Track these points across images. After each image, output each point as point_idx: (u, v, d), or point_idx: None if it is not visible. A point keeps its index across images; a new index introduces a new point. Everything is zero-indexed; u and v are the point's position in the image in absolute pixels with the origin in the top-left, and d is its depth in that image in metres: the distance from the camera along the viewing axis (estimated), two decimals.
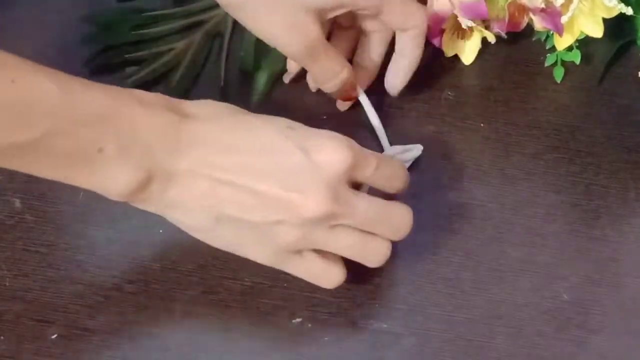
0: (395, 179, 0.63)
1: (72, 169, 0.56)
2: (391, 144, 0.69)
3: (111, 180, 0.57)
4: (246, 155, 0.59)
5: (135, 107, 0.57)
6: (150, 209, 0.59)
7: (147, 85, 0.72)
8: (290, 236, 0.59)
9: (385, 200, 0.61)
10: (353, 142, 0.60)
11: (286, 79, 0.73)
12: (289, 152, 0.59)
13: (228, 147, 0.59)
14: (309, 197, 0.58)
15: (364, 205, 0.60)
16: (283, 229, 0.59)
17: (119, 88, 0.58)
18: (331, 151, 0.59)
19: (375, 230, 0.61)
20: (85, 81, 0.57)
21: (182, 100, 0.60)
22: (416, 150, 0.69)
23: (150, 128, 0.57)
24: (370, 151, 0.61)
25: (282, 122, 0.60)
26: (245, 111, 0.62)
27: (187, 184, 0.58)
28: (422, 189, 0.68)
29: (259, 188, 0.58)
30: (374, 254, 0.62)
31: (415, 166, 0.69)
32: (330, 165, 0.59)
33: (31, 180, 0.67)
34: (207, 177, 0.58)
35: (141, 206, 0.59)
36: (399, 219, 0.61)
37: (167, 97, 0.60)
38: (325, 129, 0.65)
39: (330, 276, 0.62)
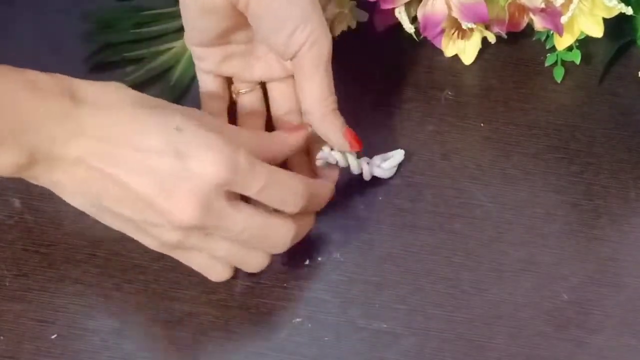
0: (288, 201, 0.61)
1: None
2: (378, 151, 0.69)
3: None
4: (125, 150, 0.57)
5: (22, 92, 0.56)
6: (41, 184, 0.59)
7: (146, 83, 0.72)
8: (167, 237, 0.59)
9: (266, 215, 0.60)
10: (244, 156, 0.58)
11: None
12: (164, 154, 0.57)
13: (111, 140, 0.57)
14: (176, 205, 0.57)
15: (239, 221, 0.59)
16: (159, 230, 0.59)
17: (12, 69, 0.57)
18: (206, 162, 0.57)
19: (251, 245, 0.61)
20: None
21: (83, 82, 0.59)
22: (398, 155, 0.68)
23: (35, 113, 0.56)
24: (266, 169, 0.60)
25: (173, 121, 0.58)
26: (155, 101, 0.60)
27: (69, 170, 0.58)
28: (421, 189, 0.68)
29: (131, 184, 0.57)
30: (250, 264, 0.62)
31: (400, 172, 0.69)
32: (202, 176, 0.57)
33: None
34: (86, 166, 0.57)
35: (32, 181, 0.59)
36: (275, 237, 0.61)
37: (66, 78, 0.59)
38: None
39: (216, 272, 0.62)
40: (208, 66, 0.68)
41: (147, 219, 0.58)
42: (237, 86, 0.70)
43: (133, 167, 0.57)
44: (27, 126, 0.56)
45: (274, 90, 0.69)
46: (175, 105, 0.61)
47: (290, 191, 0.60)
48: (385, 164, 0.68)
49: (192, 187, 0.57)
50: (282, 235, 0.61)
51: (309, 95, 0.64)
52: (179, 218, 0.57)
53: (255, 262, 0.62)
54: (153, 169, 0.57)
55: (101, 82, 0.60)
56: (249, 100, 0.70)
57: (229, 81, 0.70)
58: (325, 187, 0.65)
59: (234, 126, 0.66)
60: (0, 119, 0.56)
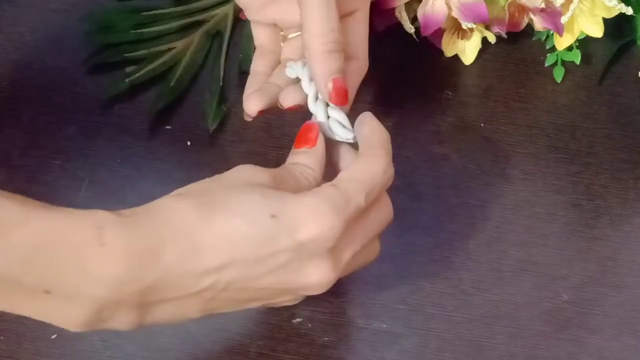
0: (384, 227, 0.60)
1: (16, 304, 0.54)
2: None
3: (60, 317, 0.54)
4: (234, 269, 0.55)
5: (93, 250, 0.52)
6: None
7: (146, 84, 0.72)
8: (290, 302, 0.60)
9: (368, 248, 0.60)
10: (332, 196, 0.57)
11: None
12: (278, 251, 0.55)
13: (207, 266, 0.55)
14: (310, 277, 0.57)
15: (362, 237, 0.59)
16: (286, 298, 0.59)
17: (80, 216, 0.53)
18: (310, 229, 0.55)
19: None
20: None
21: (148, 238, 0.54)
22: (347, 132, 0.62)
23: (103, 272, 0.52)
24: (353, 183, 0.58)
25: (264, 212, 0.55)
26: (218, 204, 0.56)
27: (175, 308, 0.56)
28: (422, 189, 0.68)
29: (265, 287, 0.57)
30: None
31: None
32: (315, 241, 0.56)
33: (31, 180, 0.67)
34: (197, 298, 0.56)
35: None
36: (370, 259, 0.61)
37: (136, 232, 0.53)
38: None
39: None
40: (255, 14, 0.66)
41: (281, 299, 0.59)
42: (285, 32, 0.67)
43: (259, 276, 0.56)
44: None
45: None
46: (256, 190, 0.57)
47: (381, 174, 0.59)
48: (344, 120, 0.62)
49: (318, 256, 0.56)
50: (388, 211, 0.60)
51: (309, 27, 0.61)
52: (320, 282, 0.57)
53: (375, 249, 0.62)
54: (277, 267, 0.56)
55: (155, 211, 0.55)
56: (297, 45, 0.65)
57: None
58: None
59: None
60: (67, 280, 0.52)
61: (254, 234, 0.55)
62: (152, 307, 0.54)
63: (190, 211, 0.54)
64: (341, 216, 0.56)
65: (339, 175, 0.59)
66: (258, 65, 0.68)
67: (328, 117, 0.62)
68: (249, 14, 0.67)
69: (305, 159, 0.60)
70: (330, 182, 0.58)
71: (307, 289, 0.57)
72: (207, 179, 0.58)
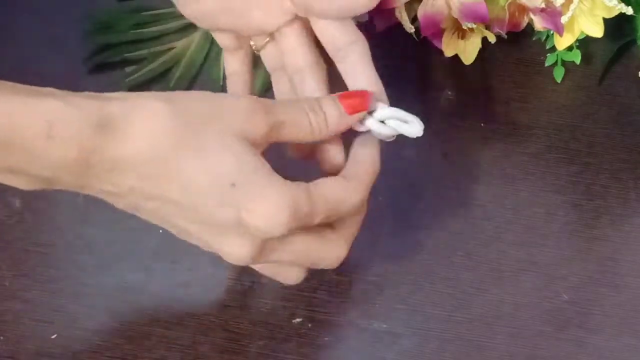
0: (345, 215, 0.60)
1: None
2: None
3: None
4: (176, 208, 0.56)
5: (38, 140, 0.53)
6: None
7: (146, 84, 0.72)
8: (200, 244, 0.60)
9: (318, 241, 0.59)
10: (303, 201, 0.56)
11: None
12: (219, 209, 0.55)
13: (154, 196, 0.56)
14: (229, 247, 0.57)
15: (290, 254, 0.59)
16: (197, 243, 0.59)
17: (31, 108, 0.53)
18: (262, 217, 0.55)
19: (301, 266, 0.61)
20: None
21: (115, 106, 0.54)
22: (414, 126, 0.62)
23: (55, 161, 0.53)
24: (323, 200, 0.57)
25: (227, 177, 0.55)
26: (200, 125, 0.56)
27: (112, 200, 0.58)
28: (422, 189, 0.68)
29: (187, 229, 0.58)
30: (289, 278, 0.62)
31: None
32: (258, 229, 0.55)
33: None
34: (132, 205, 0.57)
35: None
36: (327, 259, 0.61)
37: (93, 106, 0.54)
38: None
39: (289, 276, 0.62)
40: (206, 25, 0.65)
41: (193, 241, 0.59)
42: (255, 41, 0.66)
43: (186, 221, 0.57)
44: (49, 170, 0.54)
45: (282, 42, 0.64)
46: (223, 122, 0.57)
47: (349, 208, 0.59)
48: (397, 126, 0.62)
49: (247, 236, 0.56)
50: (334, 256, 0.61)
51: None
52: (233, 257, 0.57)
53: (292, 276, 0.62)
54: (207, 225, 0.56)
55: (131, 104, 0.55)
56: (272, 50, 0.65)
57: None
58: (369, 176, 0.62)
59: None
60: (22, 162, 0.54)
61: (205, 189, 0.55)
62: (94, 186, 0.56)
63: (163, 138, 0.54)
64: (294, 223, 0.55)
65: (321, 182, 0.58)
66: (231, 66, 0.67)
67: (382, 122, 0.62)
68: (200, 25, 0.66)
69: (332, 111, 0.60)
70: (306, 186, 0.57)
71: (221, 253, 0.57)
72: (207, 97, 0.57)
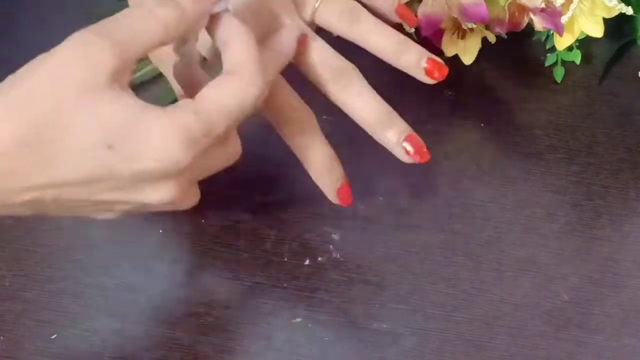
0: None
1: None
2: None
3: None
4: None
5: None
6: None
7: (146, 84, 0.72)
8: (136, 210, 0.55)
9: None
10: (189, 125, 0.51)
11: None
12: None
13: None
14: (152, 197, 0.53)
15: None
16: (127, 207, 0.55)
17: None
18: (158, 161, 0.51)
19: None
20: None
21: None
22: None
23: None
24: (215, 110, 0.52)
25: (104, 138, 0.50)
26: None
27: None
28: (422, 189, 0.68)
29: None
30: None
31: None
32: (164, 170, 0.52)
33: None
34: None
35: None
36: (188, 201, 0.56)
37: None
38: (325, 129, 0.65)
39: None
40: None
41: (122, 207, 0.55)
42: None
43: (90, 193, 0.52)
44: None
45: None
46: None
47: (252, 103, 0.54)
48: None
49: (159, 179, 0.52)
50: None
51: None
52: (168, 204, 0.54)
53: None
54: (111, 189, 0.52)
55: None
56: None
57: None
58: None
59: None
60: None
61: (86, 164, 0.50)
62: None
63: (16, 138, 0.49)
64: (192, 151, 0.51)
65: (204, 93, 0.53)
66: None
67: None
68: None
69: None
70: (191, 104, 0.52)
71: (150, 206, 0.54)
72: (36, 66, 0.51)
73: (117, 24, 0.52)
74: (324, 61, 0.62)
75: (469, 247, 0.67)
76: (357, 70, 0.63)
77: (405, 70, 0.63)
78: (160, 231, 0.66)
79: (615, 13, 0.69)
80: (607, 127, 0.72)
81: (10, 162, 0.50)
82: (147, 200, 0.53)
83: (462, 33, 0.72)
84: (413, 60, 0.63)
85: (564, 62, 0.74)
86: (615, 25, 0.72)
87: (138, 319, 0.64)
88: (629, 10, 0.68)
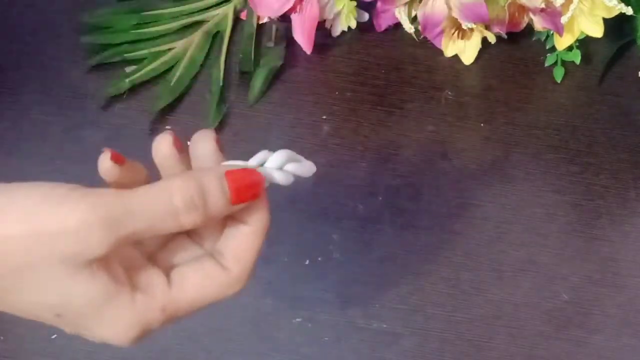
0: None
1: None
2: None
3: None
4: None
5: None
6: None
7: (146, 84, 0.72)
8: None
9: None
10: (151, 321, 0.49)
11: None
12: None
13: None
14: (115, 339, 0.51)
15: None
16: None
17: None
18: (107, 340, 0.50)
19: None
20: None
21: None
22: (306, 164, 0.53)
23: None
24: (185, 304, 0.50)
25: (51, 310, 0.48)
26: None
27: None
28: (422, 189, 0.68)
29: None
30: None
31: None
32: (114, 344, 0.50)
33: (31, 180, 0.67)
34: None
35: None
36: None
37: None
38: (325, 129, 0.65)
39: None
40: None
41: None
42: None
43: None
44: None
45: None
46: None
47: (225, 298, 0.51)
48: (289, 166, 0.52)
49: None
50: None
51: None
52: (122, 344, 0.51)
53: None
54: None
55: None
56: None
57: None
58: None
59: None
60: None
61: (31, 314, 0.49)
62: None
63: None
64: (144, 335, 0.50)
65: (184, 288, 0.49)
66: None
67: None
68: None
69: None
70: (161, 299, 0.49)
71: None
72: (30, 217, 0.46)
73: (130, 215, 0.46)
74: None
75: (469, 247, 0.67)
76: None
77: None
78: None
79: (615, 13, 0.69)
80: (607, 127, 0.72)
81: None
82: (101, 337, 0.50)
83: (462, 33, 0.72)
84: None
85: (564, 62, 0.74)
86: (615, 25, 0.72)
87: None
88: (629, 10, 0.68)
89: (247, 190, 0.49)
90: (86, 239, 0.46)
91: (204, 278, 0.49)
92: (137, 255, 0.50)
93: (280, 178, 0.51)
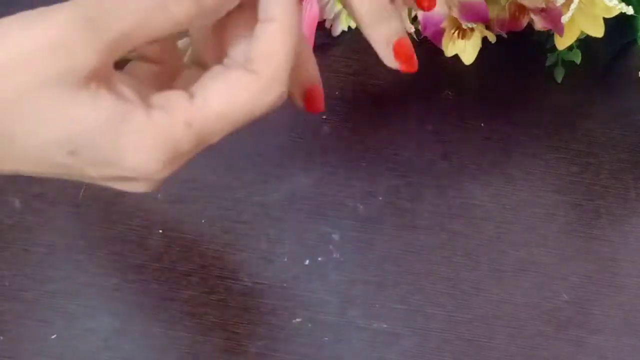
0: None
1: None
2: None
3: None
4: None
5: None
6: None
7: None
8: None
9: None
10: (177, 138, 0.43)
11: None
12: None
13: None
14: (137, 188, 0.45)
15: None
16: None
17: None
18: (135, 171, 0.43)
19: None
20: None
21: None
22: None
23: None
24: (213, 118, 0.44)
25: (64, 146, 0.42)
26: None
27: None
28: (422, 189, 0.68)
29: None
30: None
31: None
32: (141, 178, 0.44)
33: (31, 180, 0.67)
34: None
35: None
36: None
37: None
38: (325, 129, 0.65)
39: None
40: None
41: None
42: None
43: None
44: None
45: None
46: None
47: (262, 110, 0.45)
48: None
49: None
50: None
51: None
52: (143, 190, 0.45)
53: None
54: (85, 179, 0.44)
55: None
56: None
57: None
58: None
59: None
60: None
61: (41, 167, 0.43)
62: None
63: None
64: (174, 165, 0.44)
65: (208, 94, 0.44)
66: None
67: None
68: None
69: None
70: (183, 111, 0.43)
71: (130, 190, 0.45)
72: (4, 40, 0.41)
73: (114, 13, 0.41)
74: None
75: (469, 247, 0.67)
76: None
77: (373, 45, 0.52)
78: (160, 231, 0.66)
79: (615, 13, 0.69)
80: (607, 127, 0.72)
81: None
82: (120, 188, 0.45)
83: (462, 33, 0.72)
84: (384, 35, 0.51)
85: (564, 62, 0.73)
86: (615, 25, 0.72)
87: (138, 319, 0.64)
88: (629, 10, 0.68)
89: None
90: (71, 49, 0.40)
91: (230, 86, 0.44)
92: (151, 81, 0.45)
93: None
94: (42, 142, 0.42)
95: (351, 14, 0.51)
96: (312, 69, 0.51)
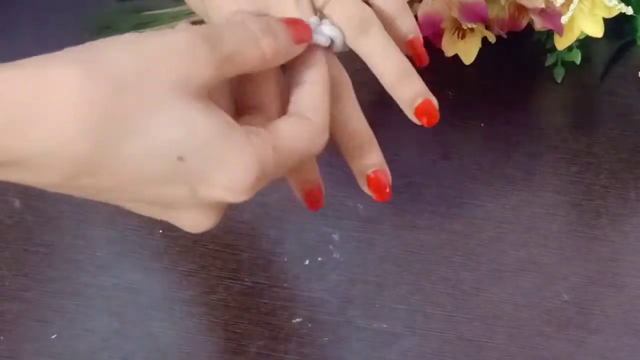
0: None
1: None
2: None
3: None
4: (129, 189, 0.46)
5: None
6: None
7: None
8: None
9: None
10: (267, 160, 0.47)
11: None
12: (171, 186, 0.46)
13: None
14: (194, 223, 0.49)
15: None
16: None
17: None
18: (227, 190, 0.47)
19: None
20: None
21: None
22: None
23: None
24: (288, 150, 0.49)
25: (174, 150, 0.45)
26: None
27: None
28: (422, 189, 0.68)
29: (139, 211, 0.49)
30: None
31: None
32: (227, 200, 0.48)
33: None
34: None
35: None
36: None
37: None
38: None
39: None
40: None
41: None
42: None
43: (131, 199, 0.47)
44: None
45: None
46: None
47: (317, 150, 0.51)
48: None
49: (207, 207, 0.48)
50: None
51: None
52: (195, 230, 0.50)
53: None
54: (156, 200, 0.47)
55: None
56: None
57: None
58: None
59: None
60: None
61: (147, 172, 0.45)
62: None
63: (80, 125, 0.43)
64: (257, 187, 0.47)
65: (278, 129, 0.48)
66: None
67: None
68: None
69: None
70: (270, 138, 0.47)
71: (180, 226, 0.50)
72: (129, 43, 0.46)
73: (222, 37, 0.47)
74: (341, 13, 0.56)
75: (469, 247, 0.67)
76: (376, 19, 0.56)
77: (397, 102, 0.58)
78: (160, 231, 0.66)
79: (615, 13, 0.69)
80: (607, 127, 0.72)
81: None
82: (179, 221, 0.49)
83: (462, 33, 0.72)
84: (408, 96, 0.57)
85: (564, 62, 0.73)
86: (615, 25, 0.72)
87: (138, 319, 0.64)
88: (629, 10, 0.68)
89: (304, 31, 0.51)
90: (193, 60, 0.45)
91: (295, 127, 0.49)
92: (231, 108, 0.50)
93: (321, 38, 0.54)
94: (156, 143, 0.44)
95: (375, 73, 0.57)
96: (313, 174, 0.56)
